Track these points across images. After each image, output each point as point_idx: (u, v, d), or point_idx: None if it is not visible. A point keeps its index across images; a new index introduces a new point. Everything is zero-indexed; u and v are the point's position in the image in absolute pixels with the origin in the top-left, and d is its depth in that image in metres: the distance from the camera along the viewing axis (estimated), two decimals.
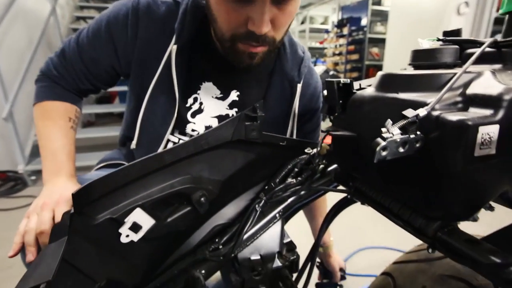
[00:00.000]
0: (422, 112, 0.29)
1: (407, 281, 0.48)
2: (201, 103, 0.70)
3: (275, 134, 0.51)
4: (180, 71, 0.65)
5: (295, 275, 0.53)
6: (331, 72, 4.17)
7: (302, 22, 7.48)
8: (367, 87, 0.42)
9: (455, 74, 0.31)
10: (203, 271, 0.47)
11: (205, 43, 0.66)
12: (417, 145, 0.30)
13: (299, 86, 0.72)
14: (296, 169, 0.52)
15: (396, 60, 3.42)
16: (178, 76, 0.64)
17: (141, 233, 0.42)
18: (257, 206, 0.50)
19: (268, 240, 0.51)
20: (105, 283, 0.40)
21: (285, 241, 0.52)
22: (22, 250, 0.51)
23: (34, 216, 0.51)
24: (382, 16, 5.00)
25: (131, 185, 0.40)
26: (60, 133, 0.65)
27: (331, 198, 0.91)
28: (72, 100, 0.70)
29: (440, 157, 0.29)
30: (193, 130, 0.70)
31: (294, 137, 0.75)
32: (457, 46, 0.37)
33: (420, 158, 0.30)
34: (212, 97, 0.71)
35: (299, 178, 0.51)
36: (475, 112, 0.29)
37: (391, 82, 0.38)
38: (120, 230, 0.40)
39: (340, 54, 5.87)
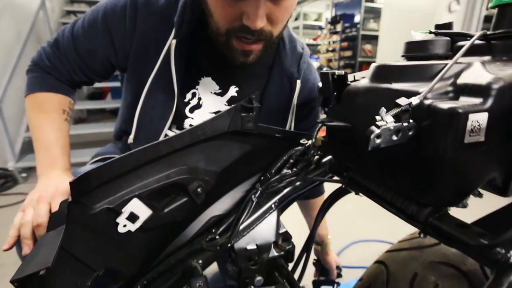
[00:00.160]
0: (415, 100, 0.30)
1: (400, 268, 0.49)
2: (199, 99, 0.70)
3: (271, 126, 0.51)
4: (179, 66, 0.64)
5: (291, 265, 0.54)
6: (325, 69, 4.17)
7: (296, 19, 7.49)
8: (361, 79, 0.43)
9: (446, 64, 0.32)
10: (200, 261, 0.48)
11: (204, 38, 0.65)
12: (410, 133, 0.31)
13: (299, 82, 0.72)
14: (291, 160, 0.53)
15: (388, 57, 3.46)
16: (177, 71, 0.64)
17: (138, 223, 0.42)
18: (253, 196, 0.50)
19: (264, 230, 0.51)
20: (104, 272, 0.40)
21: (281, 231, 0.53)
22: (17, 243, 0.51)
23: (30, 209, 0.50)
24: (375, 13, 5.03)
25: (128, 175, 0.40)
26: (54, 126, 0.64)
27: (327, 190, 0.93)
28: (66, 92, 0.69)
29: (432, 144, 0.30)
30: (191, 126, 0.70)
31: None
32: (448, 38, 0.38)
33: (413, 145, 0.31)
34: (211, 92, 0.71)
35: (294, 169, 0.52)
36: (465, 101, 0.30)
37: (385, 73, 0.39)
38: (118, 220, 0.40)
39: (333, 50, 5.89)
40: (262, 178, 0.53)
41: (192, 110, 0.70)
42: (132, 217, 0.41)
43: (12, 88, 2.26)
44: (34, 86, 0.66)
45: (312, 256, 1.02)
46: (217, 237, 0.50)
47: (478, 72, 0.31)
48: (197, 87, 0.70)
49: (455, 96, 0.31)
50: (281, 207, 0.55)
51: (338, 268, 1.00)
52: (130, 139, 0.69)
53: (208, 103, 0.71)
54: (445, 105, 0.29)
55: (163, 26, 0.64)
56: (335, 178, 0.49)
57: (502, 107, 0.29)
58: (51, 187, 0.54)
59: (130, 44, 0.65)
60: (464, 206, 0.35)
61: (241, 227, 0.50)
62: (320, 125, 0.48)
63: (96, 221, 0.38)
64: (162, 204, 0.45)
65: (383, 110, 0.30)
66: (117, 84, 3.03)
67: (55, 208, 0.51)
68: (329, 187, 0.50)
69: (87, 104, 3.43)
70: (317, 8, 7.58)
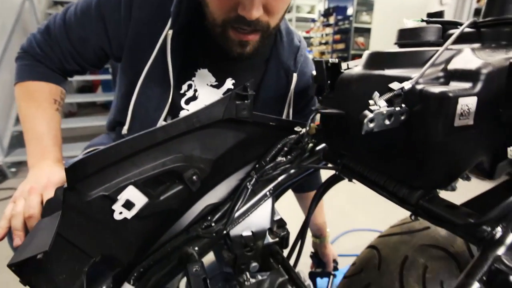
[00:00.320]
0: (407, 85, 0.31)
1: (391, 252, 0.51)
2: (195, 90, 0.69)
3: (265, 114, 0.52)
4: (175, 57, 0.63)
5: (286, 251, 0.55)
6: None
7: (289, 11, 7.43)
8: (355, 67, 0.44)
9: (437, 51, 0.33)
10: (196, 248, 0.48)
11: (201, 29, 0.64)
12: (402, 117, 0.32)
13: (295, 75, 0.72)
14: (286, 148, 0.53)
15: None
16: (173, 62, 0.63)
17: (134, 211, 0.42)
18: (248, 184, 0.51)
19: (259, 217, 0.52)
20: (100, 259, 0.40)
21: (276, 218, 0.54)
22: (9, 234, 0.50)
23: (21, 201, 0.49)
24: (367, 6, 5.03)
25: (123, 163, 0.40)
26: (45, 116, 0.63)
27: (322, 179, 0.93)
28: (57, 81, 0.67)
29: (423, 127, 0.31)
30: None
31: None
32: (440, 26, 0.39)
33: (405, 130, 0.32)
34: (207, 84, 0.70)
35: (289, 157, 0.53)
36: (455, 85, 0.30)
37: (378, 60, 0.39)
38: (113, 207, 0.40)
39: (326, 43, 5.88)
40: (257, 166, 0.53)
41: (187, 101, 0.70)
42: (128, 205, 0.41)
43: None
44: (24, 74, 0.65)
45: (310, 249, 1.03)
46: (213, 224, 0.50)
47: (468, 58, 0.32)
48: (193, 78, 0.69)
49: (445, 81, 0.32)
50: (276, 194, 0.56)
51: (335, 261, 1.01)
52: (124, 129, 0.68)
53: (204, 95, 0.70)
54: (436, 89, 0.29)
55: (159, 16, 0.62)
56: (329, 165, 0.49)
57: (490, 92, 0.30)
58: (43, 178, 0.53)
59: (124, 33, 0.63)
60: (453, 189, 0.36)
61: (237, 214, 0.51)
62: (314, 113, 0.48)
63: (91, 208, 0.38)
64: (157, 192, 0.45)
65: (376, 94, 0.31)
66: (108, 77, 2.96)
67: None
68: (324, 177, 0.51)
69: (77, 98, 3.34)
70: (310, 1, 7.53)
